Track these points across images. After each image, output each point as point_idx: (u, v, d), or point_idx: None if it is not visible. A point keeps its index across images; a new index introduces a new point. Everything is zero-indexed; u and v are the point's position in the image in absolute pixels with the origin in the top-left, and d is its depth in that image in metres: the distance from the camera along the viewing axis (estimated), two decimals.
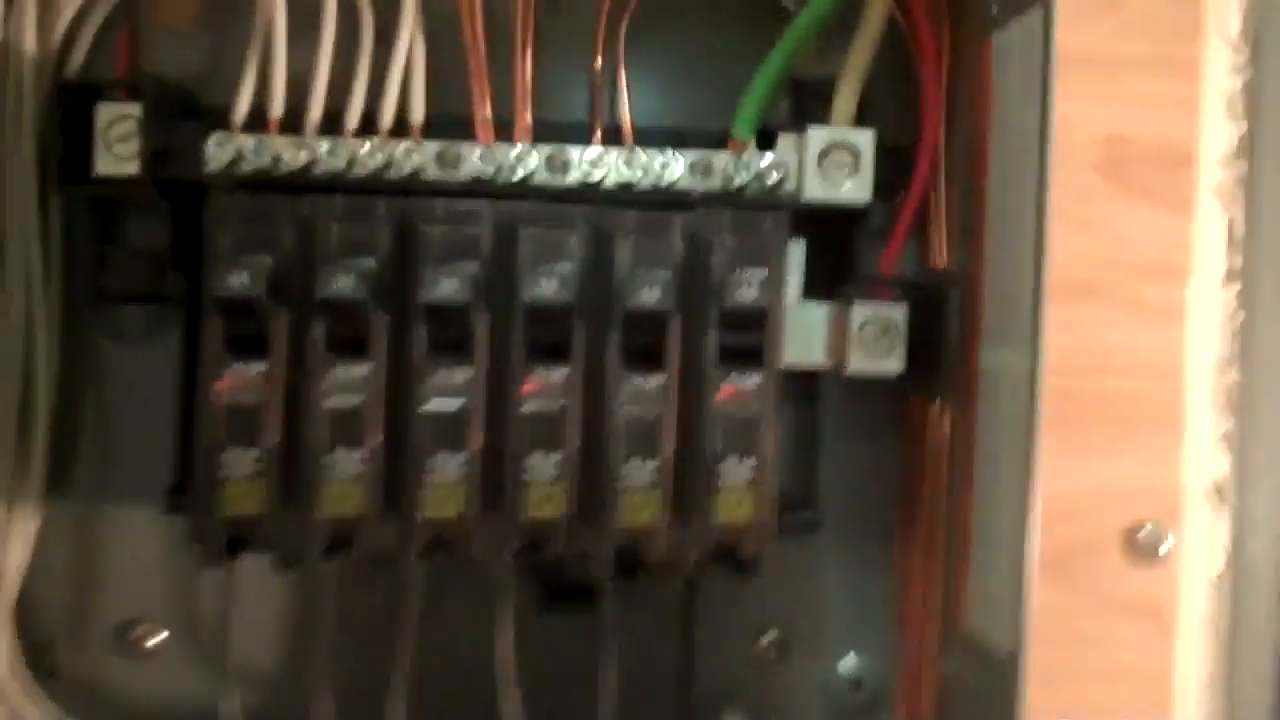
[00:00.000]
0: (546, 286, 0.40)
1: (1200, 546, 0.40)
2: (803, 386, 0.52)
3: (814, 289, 0.48)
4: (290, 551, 0.42)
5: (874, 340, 0.48)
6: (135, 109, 0.44)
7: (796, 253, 0.48)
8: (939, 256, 0.51)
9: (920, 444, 0.51)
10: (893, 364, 0.48)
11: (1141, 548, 0.39)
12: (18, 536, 0.49)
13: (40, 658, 0.52)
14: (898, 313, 0.47)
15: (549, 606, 0.50)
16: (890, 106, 0.50)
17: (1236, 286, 0.41)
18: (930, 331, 0.49)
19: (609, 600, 0.48)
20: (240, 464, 0.41)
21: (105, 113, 0.44)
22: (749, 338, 0.43)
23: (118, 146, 0.44)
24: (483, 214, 0.43)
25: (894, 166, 0.49)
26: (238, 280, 0.39)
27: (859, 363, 0.47)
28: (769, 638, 0.54)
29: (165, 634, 0.52)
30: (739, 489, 0.43)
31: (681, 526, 0.43)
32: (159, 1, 0.50)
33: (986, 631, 0.45)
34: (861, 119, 0.48)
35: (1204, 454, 0.40)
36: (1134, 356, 0.40)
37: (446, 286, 0.40)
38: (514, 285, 0.42)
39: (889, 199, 0.49)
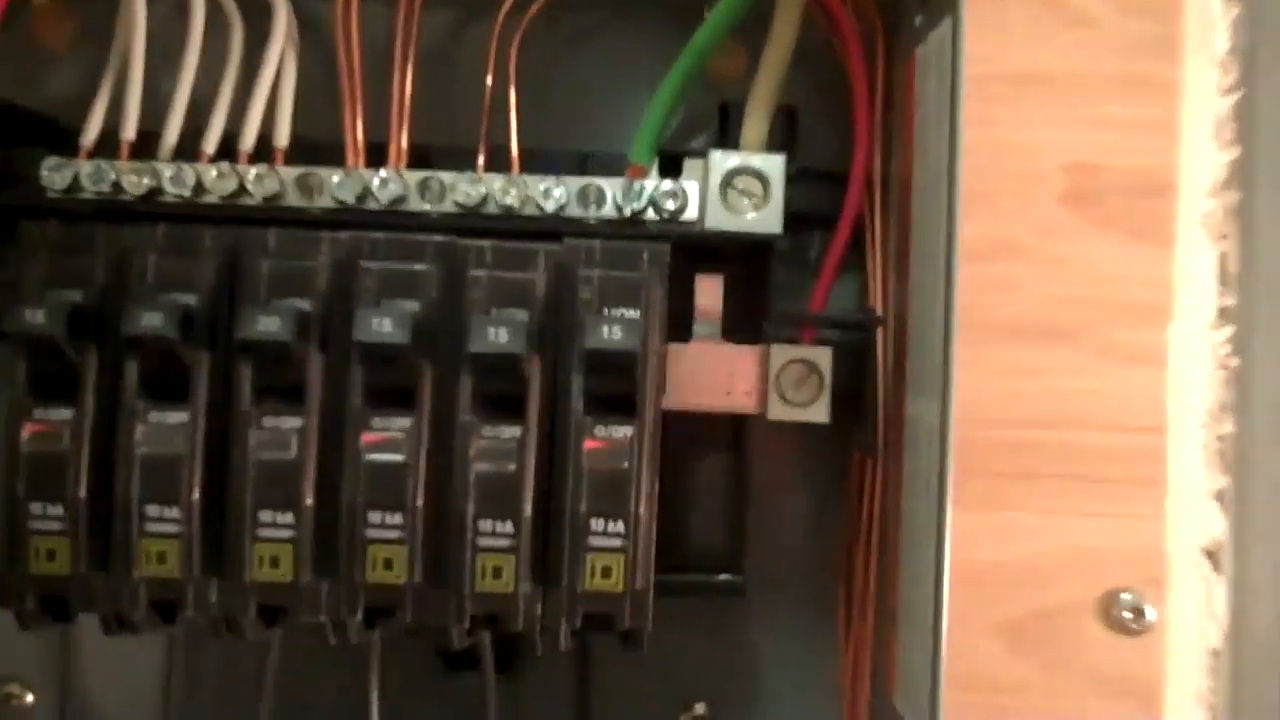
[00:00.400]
0: (382, 325, 0.36)
1: (1192, 616, 0.36)
2: (730, 434, 0.48)
3: (741, 328, 0.44)
4: (113, 615, 0.38)
5: (796, 386, 0.44)
6: None
7: (714, 289, 0.44)
8: (875, 294, 0.46)
9: (857, 497, 0.47)
10: (817, 412, 0.43)
11: (1121, 617, 0.35)
12: None
13: None
14: (822, 356, 0.44)
15: (445, 673, 0.47)
16: (830, 131, 0.47)
17: (1229, 328, 0.37)
18: (860, 376, 0.44)
19: (492, 669, 0.45)
20: (48, 518, 0.37)
21: None
22: (619, 384, 0.38)
23: None
24: (320, 245, 0.39)
25: (832, 195, 0.45)
26: (34, 317, 0.36)
27: (780, 411, 0.44)
28: (697, 711, 0.50)
29: (31, 696, 0.50)
30: (607, 554, 0.38)
31: (546, 595, 0.39)
32: (35, 22, 0.47)
33: (907, 712, 0.41)
34: (794, 145, 0.44)
35: (1195, 514, 0.36)
36: (1109, 406, 0.36)
37: (268, 323, 0.36)
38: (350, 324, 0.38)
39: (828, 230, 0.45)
